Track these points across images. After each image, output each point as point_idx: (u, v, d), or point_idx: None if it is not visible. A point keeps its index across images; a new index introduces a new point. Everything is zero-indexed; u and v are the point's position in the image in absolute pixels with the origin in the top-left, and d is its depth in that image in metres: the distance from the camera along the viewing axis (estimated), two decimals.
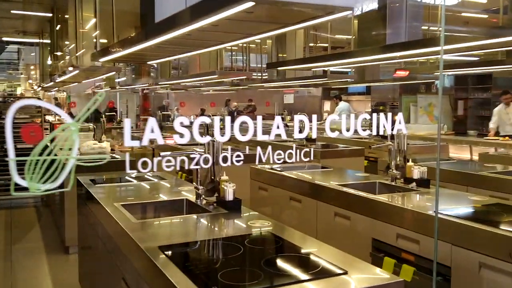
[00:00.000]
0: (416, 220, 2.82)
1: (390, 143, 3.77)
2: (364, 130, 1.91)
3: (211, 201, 2.94)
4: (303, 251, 2.12)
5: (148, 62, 6.22)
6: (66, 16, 6.83)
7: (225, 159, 2.98)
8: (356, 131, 2.25)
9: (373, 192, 3.72)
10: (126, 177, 4.04)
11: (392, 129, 1.94)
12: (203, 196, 3.03)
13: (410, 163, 3.69)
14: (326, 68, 10.57)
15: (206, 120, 2.44)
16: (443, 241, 2.63)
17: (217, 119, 3.03)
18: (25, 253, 4.89)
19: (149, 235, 2.26)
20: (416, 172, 3.60)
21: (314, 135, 7.44)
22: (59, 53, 9.84)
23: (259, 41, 9.87)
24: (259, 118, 2.29)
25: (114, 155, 5.87)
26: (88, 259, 3.57)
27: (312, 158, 2.38)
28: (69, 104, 18.10)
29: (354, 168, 5.09)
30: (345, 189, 3.50)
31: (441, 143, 7.75)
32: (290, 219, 4.11)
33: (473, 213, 2.84)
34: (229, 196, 2.88)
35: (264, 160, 2.26)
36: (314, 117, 2.57)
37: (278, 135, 2.44)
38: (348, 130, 2.14)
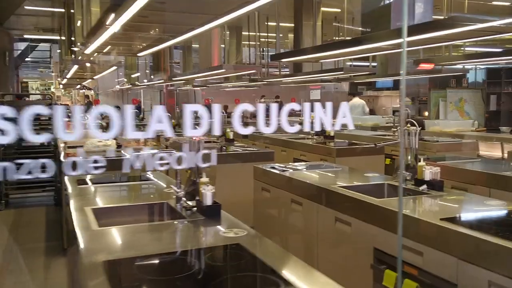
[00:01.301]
0: (419, 229, 2.48)
1: (399, 140, 3.41)
2: (292, 125, 1.58)
3: (190, 206, 2.68)
4: (269, 269, 1.81)
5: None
6: (72, 10, 6.71)
7: (207, 158, 2.71)
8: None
9: (380, 195, 3.38)
10: (122, 177, 3.81)
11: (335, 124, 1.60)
12: (183, 199, 2.77)
13: (421, 163, 3.32)
14: (350, 62, 10.16)
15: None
16: (448, 254, 2.28)
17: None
18: (25, 253, 4.77)
19: (100, 246, 2.01)
20: (428, 173, 3.23)
21: (332, 131, 7.15)
22: (75, 49, 9.80)
23: (281, 35, 9.57)
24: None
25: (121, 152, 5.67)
26: (71, 265, 3.38)
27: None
28: (93, 102, 18.26)
29: (373, 168, 4.73)
30: (347, 192, 3.17)
31: (470, 141, 7.26)
32: (291, 223, 3.81)
33: (485, 222, 2.47)
34: (208, 201, 2.61)
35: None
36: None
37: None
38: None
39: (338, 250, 3.18)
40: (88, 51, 4.57)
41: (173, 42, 3.93)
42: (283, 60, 5.31)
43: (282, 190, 3.90)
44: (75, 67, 6.83)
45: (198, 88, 15.65)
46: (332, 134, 7.00)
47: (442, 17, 4.10)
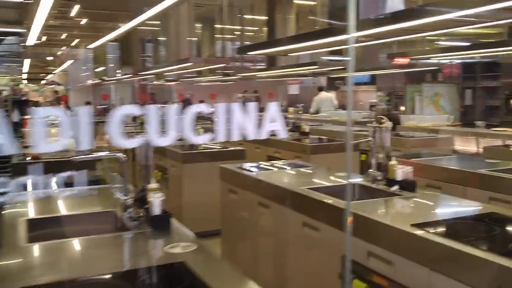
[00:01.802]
0: (389, 236, 2.30)
1: (371, 138, 3.23)
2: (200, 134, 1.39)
3: (137, 216, 2.44)
4: None
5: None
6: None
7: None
8: None
9: (352, 197, 3.19)
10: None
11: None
12: (132, 208, 2.53)
13: (393, 162, 3.14)
14: (327, 57, 9.99)
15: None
16: (420, 264, 2.10)
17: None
18: None
19: (19, 268, 1.75)
20: (400, 172, 3.05)
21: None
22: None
23: (257, 28, 9.35)
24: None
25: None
26: None
27: None
28: (61, 97, 17.73)
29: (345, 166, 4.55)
30: (315, 194, 2.97)
31: (445, 136, 7.17)
32: (259, 227, 3.60)
33: (459, 229, 2.29)
34: (155, 210, 2.37)
35: None
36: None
37: None
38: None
39: (306, 257, 2.99)
40: (30, 42, 4.25)
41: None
42: (249, 53, 5.09)
43: (249, 192, 3.69)
44: (28, 61, 6.49)
45: (173, 83, 15.33)
46: (307, 130, 6.83)
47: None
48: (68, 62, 8.26)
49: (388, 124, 3.18)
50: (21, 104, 13.15)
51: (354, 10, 1.46)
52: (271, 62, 6.79)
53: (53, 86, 20.85)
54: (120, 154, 2.52)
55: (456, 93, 9.97)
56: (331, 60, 8.62)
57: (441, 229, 2.22)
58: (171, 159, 5.53)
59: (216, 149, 5.48)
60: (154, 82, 14.97)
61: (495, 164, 4.09)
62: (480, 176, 3.65)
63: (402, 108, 11.02)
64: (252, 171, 3.84)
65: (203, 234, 5.12)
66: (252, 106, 1.57)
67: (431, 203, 2.82)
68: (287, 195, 3.17)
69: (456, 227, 2.28)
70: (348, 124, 2.18)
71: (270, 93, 15.20)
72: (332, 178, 3.58)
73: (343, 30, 3.11)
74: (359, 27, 3.14)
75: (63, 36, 11.52)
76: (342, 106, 12.88)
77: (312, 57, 7.62)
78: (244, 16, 8.39)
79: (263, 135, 1.45)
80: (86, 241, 2.20)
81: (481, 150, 6.39)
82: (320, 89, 11.84)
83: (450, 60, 9.37)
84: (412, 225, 2.22)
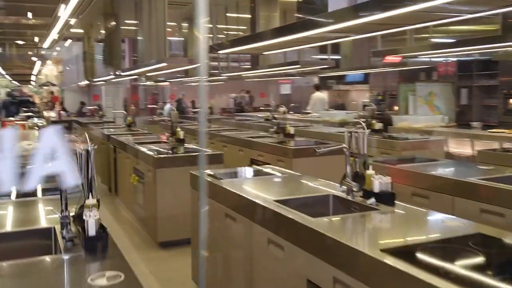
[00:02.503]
0: (356, 261, 1.98)
1: (345, 145, 2.90)
2: None
3: (71, 236, 2.12)
4: None
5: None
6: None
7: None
8: None
9: (323, 211, 2.88)
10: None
11: None
12: (69, 227, 2.22)
13: (370, 171, 2.82)
14: (316, 56, 9.67)
15: None
16: None
17: None
18: None
19: None
20: (377, 183, 2.73)
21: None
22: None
23: (246, 27, 9.06)
24: None
25: None
26: None
27: None
28: (52, 98, 17.42)
29: (332, 169, 4.21)
30: (281, 208, 2.65)
31: (438, 138, 6.85)
32: (226, 241, 3.28)
33: (436, 254, 1.97)
34: (90, 231, 2.05)
35: None
36: None
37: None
38: None
39: (270, 277, 2.67)
40: None
41: None
42: (220, 52, 4.78)
43: (216, 202, 3.37)
44: None
45: (167, 83, 15.02)
46: (292, 132, 6.51)
47: None
48: (39, 63, 7.95)
49: (365, 130, 2.86)
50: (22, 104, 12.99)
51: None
52: (255, 62, 6.48)
53: (48, 87, 20.58)
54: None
55: (452, 92, 9.65)
56: (322, 59, 8.34)
57: (415, 256, 1.90)
58: (146, 163, 5.22)
59: (193, 153, 5.15)
60: (146, 83, 14.67)
61: (489, 171, 3.77)
62: (471, 185, 3.33)
63: (396, 108, 10.71)
64: (221, 179, 3.52)
65: (176, 242, 4.86)
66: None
67: (410, 221, 2.50)
68: (253, 207, 2.86)
69: (434, 253, 1.95)
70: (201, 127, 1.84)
71: (262, 93, 14.91)
72: (306, 187, 3.26)
73: (312, 25, 2.83)
74: (335, 19, 2.82)
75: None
76: (335, 106, 12.59)
77: (298, 56, 7.33)
78: (228, 14, 8.14)
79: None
80: (10, 267, 1.89)
81: (476, 153, 6.08)
82: (317, 87, 11.54)
83: (444, 58, 9.05)
84: (382, 250, 1.90)
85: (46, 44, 11.21)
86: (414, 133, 7.19)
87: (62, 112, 17.55)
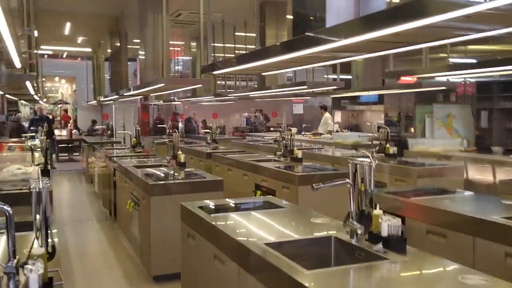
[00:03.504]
0: None
1: (348, 181, 2.53)
2: None
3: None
4: None
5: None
6: None
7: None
8: None
9: (322, 257, 2.51)
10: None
11: None
12: (17, 278, 1.87)
13: (377, 211, 2.44)
14: (327, 75, 9.32)
15: None
16: None
17: None
18: None
19: None
20: (386, 226, 2.35)
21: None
22: None
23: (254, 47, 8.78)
24: None
25: None
26: None
27: None
28: (62, 117, 17.36)
29: (340, 199, 3.82)
30: (271, 254, 2.28)
31: (457, 164, 6.40)
32: (213, 285, 2.91)
33: None
34: (32, 286, 1.70)
35: None
36: None
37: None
38: None
39: None
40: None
41: None
42: (215, 72, 4.46)
43: (205, 241, 3.01)
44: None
45: (179, 102, 14.80)
46: (299, 156, 6.12)
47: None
48: (28, 84, 7.76)
49: (371, 160, 2.48)
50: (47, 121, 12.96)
51: None
52: (261, 81, 6.17)
53: (61, 105, 20.65)
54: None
55: (471, 114, 9.19)
56: (341, 79, 7.95)
57: None
58: (141, 190, 4.89)
59: (190, 180, 4.81)
60: (155, 102, 14.49)
61: None
62: (494, 225, 2.91)
63: (412, 130, 10.28)
64: (211, 213, 3.16)
65: (168, 276, 4.49)
66: None
67: (423, 275, 2.10)
68: (241, 250, 2.49)
69: None
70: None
71: (274, 113, 14.59)
72: (306, 225, 2.88)
73: (312, 41, 2.49)
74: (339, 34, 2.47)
75: None
76: (349, 127, 12.21)
77: (306, 76, 7.01)
78: (237, 33, 7.89)
79: None
80: None
81: (498, 181, 5.63)
82: (324, 108, 11.21)
83: (463, 79, 8.63)
84: None
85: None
86: (431, 157, 6.77)
87: (74, 130, 17.47)
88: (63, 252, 5.65)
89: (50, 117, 14.62)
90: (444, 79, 6.75)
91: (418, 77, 6.11)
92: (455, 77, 7.01)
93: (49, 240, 1.91)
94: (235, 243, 2.55)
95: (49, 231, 1.89)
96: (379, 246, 2.30)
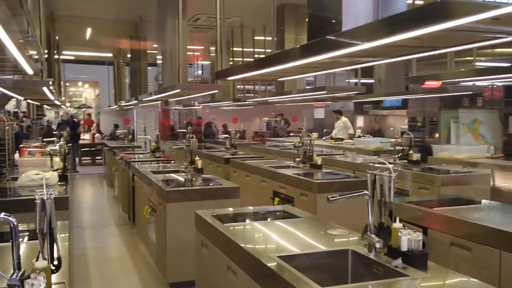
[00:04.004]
0: None
1: (366, 192, 2.41)
2: None
3: None
4: None
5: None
6: None
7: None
8: None
9: (341, 271, 2.39)
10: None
11: None
12: None
13: (397, 225, 2.32)
14: (359, 80, 9.17)
15: None
16: None
17: None
18: None
19: None
20: (406, 241, 2.23)
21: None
22: None
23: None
24: None
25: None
26: None
27: None
28: (85, 121, 17.55)
29: (360, 207, 3.69)
30: (284, 267, 2.17)
31: (484, 171, 6.17)
32: None
33: None
34: None
35: None
36: None
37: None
38: None
39: None
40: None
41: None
42: (229, 78, 4.38)
43: (219, 251, 2.93)
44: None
45: (199, 107, 14.82)
46: (319, 162, 5.99)
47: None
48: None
49: (391, 172, 2.36)
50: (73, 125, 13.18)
51: None
52: (280, 86, 6.07)
53: (84, 109, 20.93)
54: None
55: (498, 119, 8.89)
56: (363, 84, 7.80)
57: None
58: (157, 196, 4.84)
59: (207, 187, 4.73)
60: (176, 107, 14.53)
61: None
62: None
63: (437, 135, 10.01)
64: (225, 223, 3.07)
65: (184, 284, 4.41)
66: None
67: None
68: (253, 264, 2.39)
69: None
70: None
71: (294, 118, 14.45)
72: (322, 237, 2.77)
73: (330, 45, 2.38)
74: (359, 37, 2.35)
75: None
76: (371, 132, 11.98)
77: (326, 80, 6.88)
78: (256, 37, 7.81)
79: None
80: None
81: None
82: (340, 112, 11.07)
83: (491, 83, 8.36)
84: None
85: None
86: (456, 164, 6.55)
87: (97, 134, 17.65)
88: (80, 257, 5.65)
89: (76, 120, 14.78)
90: (470, 83, 6.52)
91: (443, 82, 5.92)
92: (482, 81, 6.78)
93: (55, 252, 1.84)
94: (248, 255, 2.45)
95: (54, 243, 1.82)
96: (399, 261, 2.18)
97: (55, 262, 1.88)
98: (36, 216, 1.84)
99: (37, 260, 1.84)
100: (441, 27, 1.49)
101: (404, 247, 2.21)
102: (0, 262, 2.18)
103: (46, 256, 1.81)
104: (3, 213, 1.68)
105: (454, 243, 3.19)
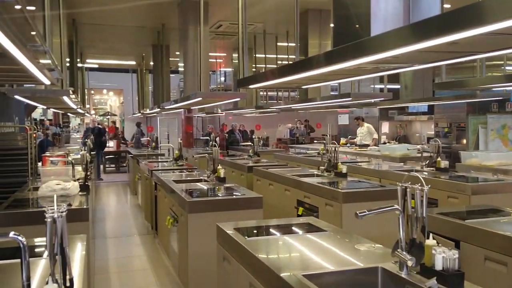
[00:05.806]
0: None
1: (397, 207, 2.27)
2: None
3: None
4: None
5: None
6: None
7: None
8: None
9: None
10: None
11: None
12: None
13: (430, 242, 2.17)
14: (373, 85, 8.99)
15: None
16: None
17: None
18: None
19: None
20: (440, 259, 2.08)
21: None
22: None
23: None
24: None
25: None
26: None
27: None
28: (109, 128, 17.70)
29: (390, 219, 3.52)
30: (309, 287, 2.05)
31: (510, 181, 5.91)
32: None
33: None
34: None
35: None
36: None
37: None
38: None
39: None
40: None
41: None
42: (251, 86, 4.28)
43: (241, 267, 2.82)
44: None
45: (222, 114, 14.80)
46: (344, 170, 5.83)
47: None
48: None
49: (423, 185, 2.22)
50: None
51: None
52: (303, 92, 5.95)
53: (109, 117, 21.16)
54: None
55: None
56: (389, 89, 7.62)
57: None
58: (179, 206, 4.76)
59: (229, 197, 4.64)
60: (199, 114, 14.54)
61: None
62: None
63: (465, 141, 9.74)
64: (247, 236, 2.97)
65: None
66: None
67: None
68: (278, 283, 2.28)
69: None
70: None
71: (318, 124, 14.28)
72: (349, 252, 2.63)
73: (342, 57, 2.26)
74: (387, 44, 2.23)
75: None
76: (397, 138, 11.75)
77: (351, 87, 6.73)
78: (279, 43, 7.71)
79: None
80: None
81: None
82: (362, 119, 10.89)
83: None
84: None
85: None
86: (485, 171, 6.31)
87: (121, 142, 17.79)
88: (101, 268, 5.61)
89: (102, 128, 14.91)
90: (500, 89, 6.30)
91: (472, 89, 5.72)
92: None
93: (67, 274, 1.76)
94: (271, 273, 2.34)
95: (66, 265, 1.74)
96: (433, 281, 2.03)
97: (67, 284, 1.79)
98: (46, 236, 1.76)
99: (47, 283, 1.76)
100: (481, 31, 1.36)
101: (438, 266, 2.07)
102: (13, 280, 2.12)
103: (57, 278, 1.73)
104: (12, 232, 1.61)
105: (488, 257, 3.01)
